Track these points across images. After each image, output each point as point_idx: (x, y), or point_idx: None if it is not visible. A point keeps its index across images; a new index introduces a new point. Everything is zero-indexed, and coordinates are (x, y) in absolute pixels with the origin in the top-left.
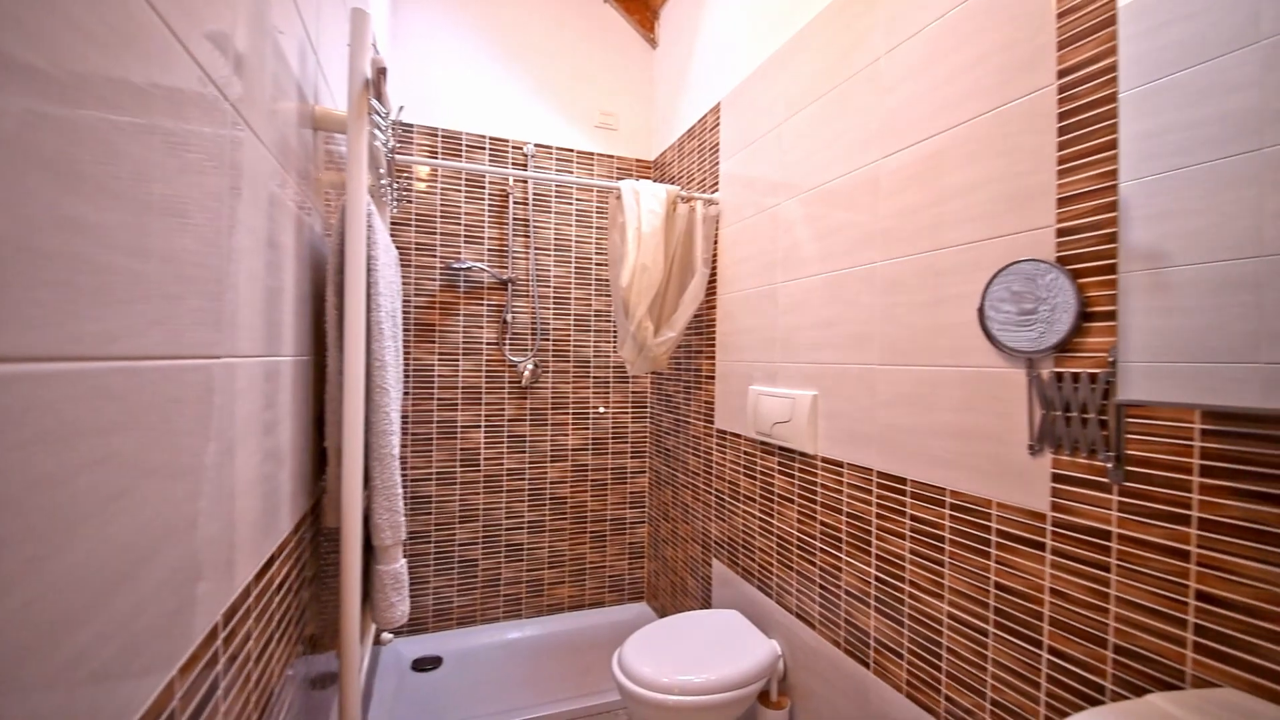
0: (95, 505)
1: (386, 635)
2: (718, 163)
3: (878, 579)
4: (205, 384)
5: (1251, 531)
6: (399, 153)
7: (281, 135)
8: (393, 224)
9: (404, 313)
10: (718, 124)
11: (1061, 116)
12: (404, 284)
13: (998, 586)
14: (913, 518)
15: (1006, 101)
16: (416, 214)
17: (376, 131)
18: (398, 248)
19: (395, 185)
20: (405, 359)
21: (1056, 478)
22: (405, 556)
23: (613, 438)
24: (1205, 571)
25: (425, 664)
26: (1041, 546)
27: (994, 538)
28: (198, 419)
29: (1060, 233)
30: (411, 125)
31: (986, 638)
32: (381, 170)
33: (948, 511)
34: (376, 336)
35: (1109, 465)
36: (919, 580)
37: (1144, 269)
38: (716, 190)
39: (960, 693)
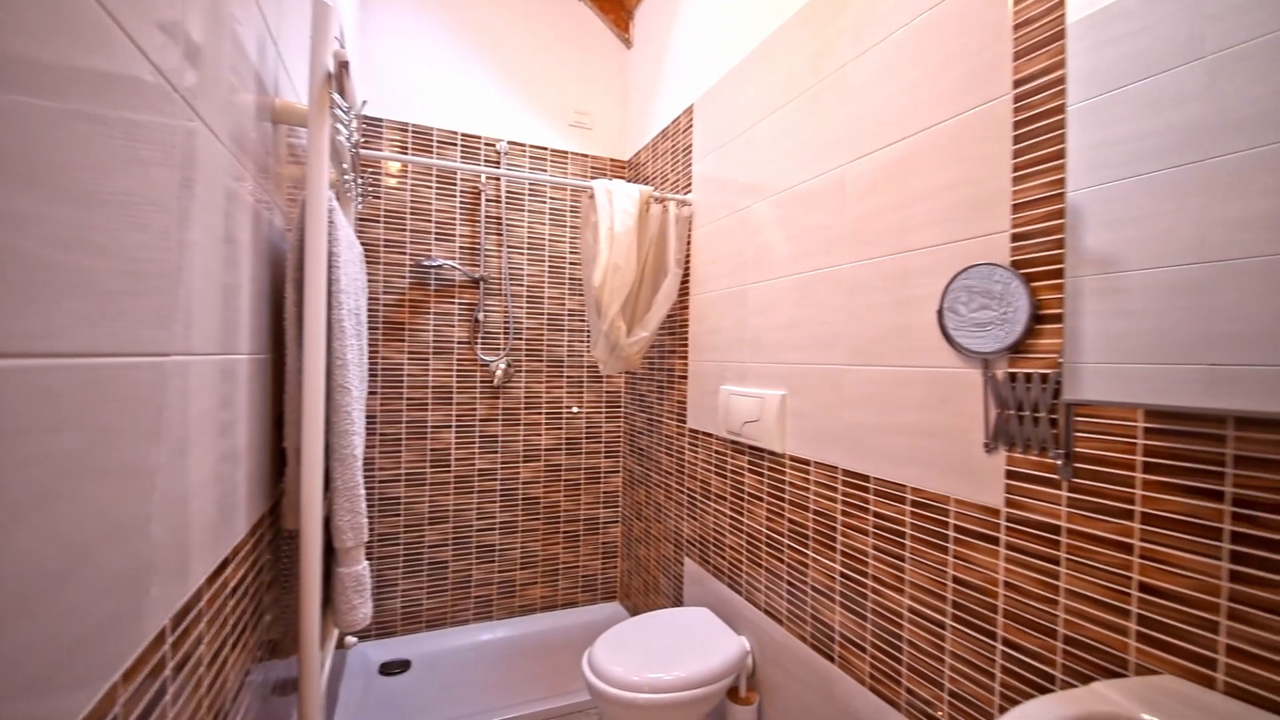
0: (30, 505)
1: (351, 639)
2: (691, 164)
3: (842, 575)
4: (155, 383)
5: (1189, 525)
6: (367, 148)
7: (238, 128)
8: (360, 220)
9: (372, 311)
10: (691, 126)
11: (1016, 125)
12: (372, 281)
13: (955, 580)
14: (875, 514)
15: (966, 109)
16: (386, 210)
17: (339, 126)
18: (366, 244)
19: (360, 181)
20: (373, 358)
21: (1010, 474)
22: (373, 559)
23: (586, 437)
24: (1147, 564)
25: (393, 668)
26: (996, 541)
27: (952, 533)
28: (147, 418)
29: (1015, 238)
30: (381, 120)
31: (944, 630)
32: (345, 165)
33: (908, 508)
34: (338, 334)
35: (1059, 462)
36: (881, 575)
37: (1098, 273)
38: (690, 191)
39: (920, 684)
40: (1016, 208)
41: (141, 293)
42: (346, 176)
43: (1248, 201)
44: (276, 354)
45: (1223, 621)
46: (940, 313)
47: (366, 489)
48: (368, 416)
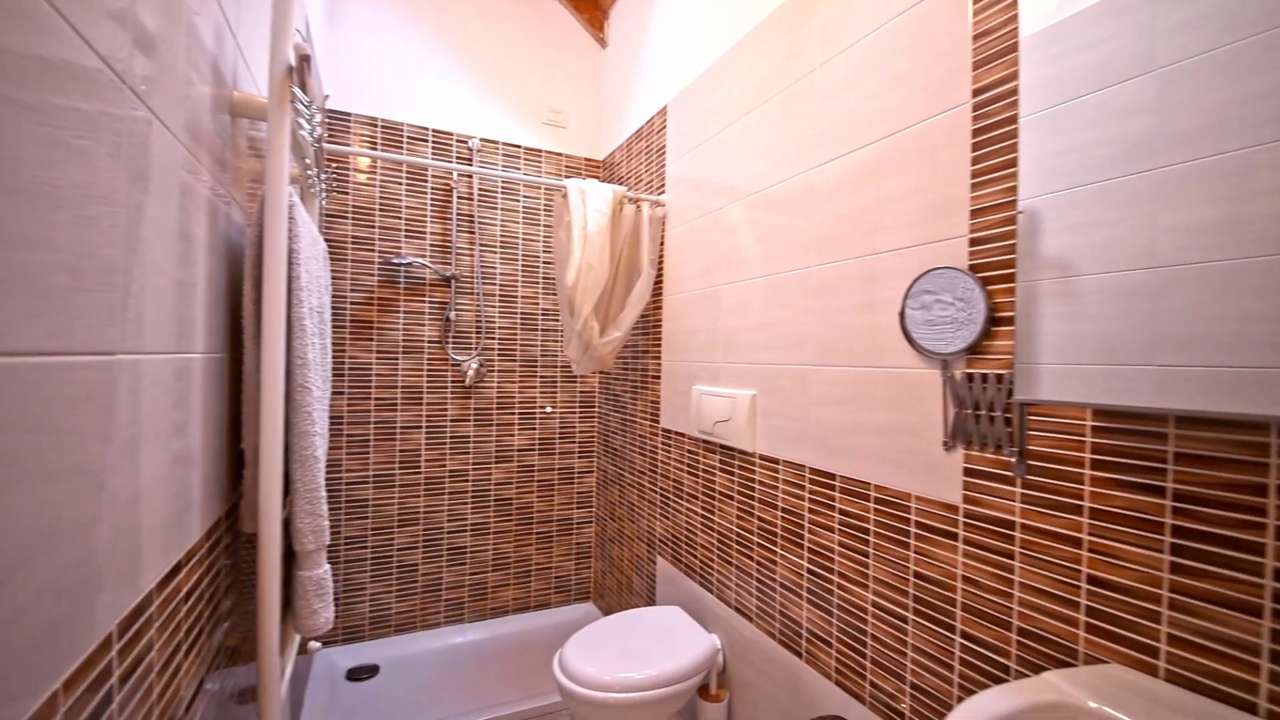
0: None
1: (314, 644)
2: (665, 165)
3: (809, 571)
4: (103, 382)
5: (1134, 520)
6: (334, 142)
7: (194, 121)
8: (328, 216)
9: (339, 309)
10: (665, 126)
11: (975, 133)
12: (339, 279)
13: (916, 575)
14: (841, 512)
15: (929, 116)
16: (354, 206)
17: (301, 121)
18: (333, 241)
19: (324, 176)
20: (340, 357)
21: (968, 472)
22: (339, 563)
23: (560, 438)
24: (1095, 557)
25: (360, 673)
26: (955, 537)
27: (913, 529)
28: (95, 418)
29: (973, 242)
30: (349, 114)
31: (906, 624)
32: (309, 160)
33: (872, 505)
34: (299, 333)
35: (1013, 460)
36: (847, 571)
37: (1054, 277)
38: (664, 192)
39: (883, 678)
40: (975, 213)
41: (89, 289)
42: (310, 171)
43: (1194, 210)
44: (234, 353)
45: (1164, 612)
46: (902, 315)
47: (332, 491)
48: (334, 417)
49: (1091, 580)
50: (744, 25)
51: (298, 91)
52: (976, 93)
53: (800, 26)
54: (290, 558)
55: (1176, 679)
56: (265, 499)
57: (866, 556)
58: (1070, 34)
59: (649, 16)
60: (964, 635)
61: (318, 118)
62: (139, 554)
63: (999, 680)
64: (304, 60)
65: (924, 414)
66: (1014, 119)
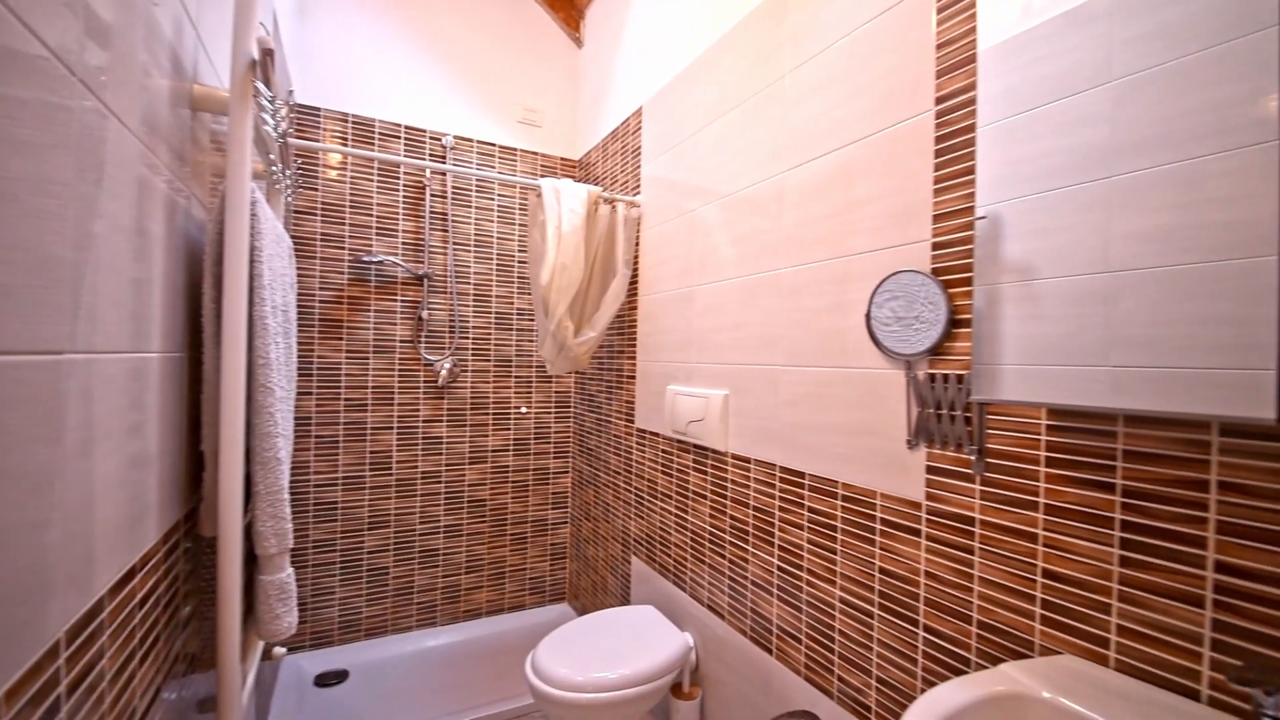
0: None
1: (279, 650)
2: (640, 165)
3: (780, 568)
4: (50, 382)
5: (1086, 515)
6: (303, 137)
7: (151, 114)
8: (296, 212)
9: (307, 308)
10: (640, 127)
11: (938, 140)
12: (308, 277)
13: (882, 571)
14: (810, 509)
15: (894, 123)
16: (324, 203)
17: (265, 116)
18: (302, 238)
19: (290, 172)
20: (308, 357)
21: (930, 469)
22: (308, 567)
23: (535, 438)
24: (1050, 552)
25: (329, 679)
26: (918, 533)
27: (878, 526)
28: (41, 419)
29: (935, 246)
30: (319, 109)
31: (872, 619)
32: (273, 156)
33: (840, 503)
34: (260, 332)
35: (972, 458)
36: (815, 568)
37: (1015, 281)
38: (639, 193)
39: (851, 672)
40: (937, 218)
41: (34, 286)
42: (275, 167)
43: (1145, 217)
44: (194, 352)
45: (1114, 604)
46: (868, 317)
47: (300, 494)
48: (302, 418)
49: (1046, 574)
50: (718, 29)
51: (260, 86)
52: (939, 100)
53: (772, 32)
54: (253, 562)
55: (1126, 668)
56: (225, 502)
57: (834, 553)
58: (1030, 46)
59: (625, 17)
60: (927, 629)
61: (282, 112)
62: (91, 558)
63: (960, 672)
64: (267, 54)
65: (889, 413)
66: (973, 127)
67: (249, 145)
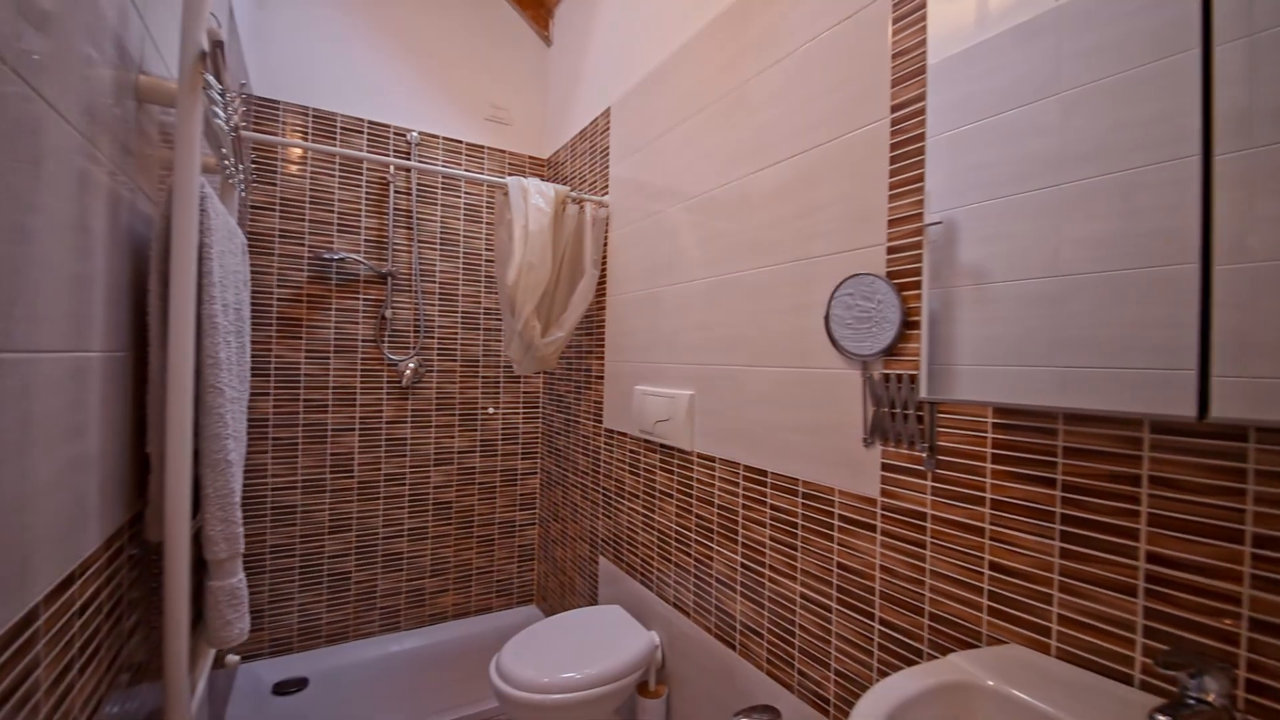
0: None
1: (232, 657)
2: (608, 166)
3: (743, 566)
4: None
5: (1029, 509)
6: (262, 131)
7: (93, 105)
8: (254, 208)
9: (265, 306)
10: (608, 128)
11: (893, 147)
12: (265, 274)
13: (839, 566)
14: (772, 507)
15: (853, 129)
16: (282, 198)
17: (216, 109)
18: (259, 234)
19: (244, 166)
20: (266, 357)
21: (885, 466)
22: (265, 572)
23: (503, 439)
24: (996, 545)
25: (288, 686)
26: (874, 529)
27: (837, 522)
28: None
29: (890, 250)
30: (278, 102)
31: (831, 614)
32: (225, 150)
33: (800, 500)
34: (209, 331)
35: (924, 455)
36: (777, 564)
37: (969, 284)
38: (607, 193)
39: (811, 665)
40: (891, 223)
41: None
42: (227, 161)
43: (1092, 223)
44: (139, 352)
45: (1055, 594)
46: (827, 318)
47: (257, 498)
48: (259, 420)
49: (993, 566)
50: (685, 32)
51: (210, 79)
52: (895, 109)
53: (737, 37)
54: (202, 567)
55: (1066, 656)
56: (172, 506)
57: (795, 550)
58: (979, 59)
59: (594, 18)
60: (882, 622)
61: (235, 105)
62: (25, 564)
63: (912, 663)
64: (217, 46)
65: (847, 412)
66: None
67: (198, 139)
